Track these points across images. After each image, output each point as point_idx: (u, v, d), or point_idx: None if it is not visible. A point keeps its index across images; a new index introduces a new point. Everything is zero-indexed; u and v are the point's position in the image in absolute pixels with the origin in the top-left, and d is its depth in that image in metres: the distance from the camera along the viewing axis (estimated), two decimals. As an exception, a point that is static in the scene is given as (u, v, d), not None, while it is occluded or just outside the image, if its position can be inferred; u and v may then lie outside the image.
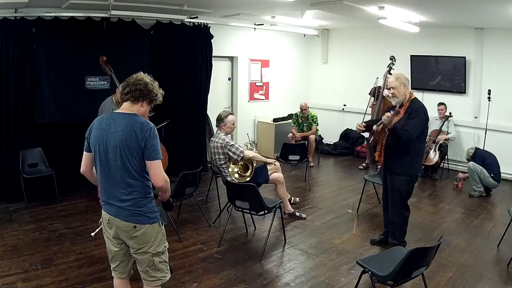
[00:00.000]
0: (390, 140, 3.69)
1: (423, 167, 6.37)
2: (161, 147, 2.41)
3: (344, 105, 8.60)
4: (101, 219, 2.41)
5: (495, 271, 3.63)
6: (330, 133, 8.79)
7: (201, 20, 6.41)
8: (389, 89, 3.70)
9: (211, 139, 4.51)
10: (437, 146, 6.53)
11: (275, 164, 4.84)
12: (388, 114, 3.51)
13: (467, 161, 6.00)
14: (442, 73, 7.13)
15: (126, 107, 2.29)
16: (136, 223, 2.25)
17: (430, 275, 3.38)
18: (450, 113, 6.65)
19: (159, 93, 2.37)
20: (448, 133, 6.64)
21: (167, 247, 2.44)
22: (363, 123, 3.86)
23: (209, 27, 6.67)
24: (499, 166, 5.74)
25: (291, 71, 8.77)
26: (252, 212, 4.00)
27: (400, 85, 3.64)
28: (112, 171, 2.23)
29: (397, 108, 3.71)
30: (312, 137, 7.14)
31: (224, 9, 6.01)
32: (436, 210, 5.23)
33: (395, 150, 3.69)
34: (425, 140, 3.87)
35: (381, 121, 3.61)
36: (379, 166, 5.59)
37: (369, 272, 2.64)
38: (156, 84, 2.37)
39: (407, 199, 3.83)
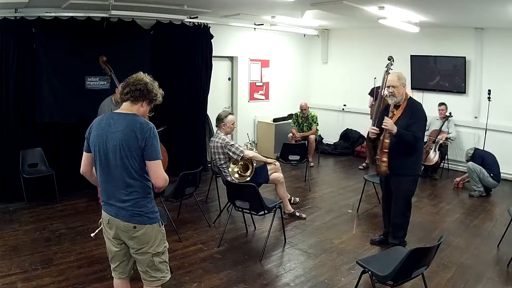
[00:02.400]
0: (394, 143, 3.63)
1: (423, 167, 6.45)
2: (161, 147, 2.41)
3: (344, 105, 8.60)
4: (101, 219, 2.41)
5: (495, 271, 3.63)
6: (330, 133, 8.80)
7: (201, 20, 6.41)
8: (388, 87, 3.67)
9: (211, 139, 4.51)
10: (437, 146, 6.53)
11: (275, 164, 4.84)
12: (387, 120, 3.56)
13: (466, 162, 6.01)
14: (442, 73, 7.13)
15: (126, 107, 2.29)
16: (136, 223, 2.25)
17: (430, 275, 3.38)
18: (450, 113, 6.66)
19: (159, 93, 2.37)
20: (448, 133, 6.64)
21: (167, 247, 2.44)
22: (375, 128, 3.76)
23: (209, 27, 6.67)
24: (499, 166, 5.74)
25: (291, 71, 8.77)
26: (252, 212, 4.00)
27: (400, 85, 3.63)
28: (112, 171, 2.23)
29: (391, 108, 3.72)
30: (312, 137, 7.14)
31: (224, 9, 6.00)
32: (436, 210, 5.23)
33: (401, 152, 3.64)
34: (424, 139, 3.91)
35: (384, 130, 3.62)
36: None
37: (369, 272, 2.64)
38: (156, 84, 2.37)
39: (411, 199, 3.84)
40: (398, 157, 3.67)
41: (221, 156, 4.41)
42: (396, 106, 3.71)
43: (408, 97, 3.70)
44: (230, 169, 4.44)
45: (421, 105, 3.73)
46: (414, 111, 3.62)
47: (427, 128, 6.78)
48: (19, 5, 4.82)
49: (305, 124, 7.27)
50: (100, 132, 2.25)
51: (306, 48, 8.96)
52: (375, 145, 3.93)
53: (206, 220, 4.67)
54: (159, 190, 2.45)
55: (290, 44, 8.61)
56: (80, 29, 5.37)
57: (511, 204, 4.88)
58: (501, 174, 5.83)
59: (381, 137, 3.68)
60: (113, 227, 2.30)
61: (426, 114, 3.74)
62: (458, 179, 6.18)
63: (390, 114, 3.71)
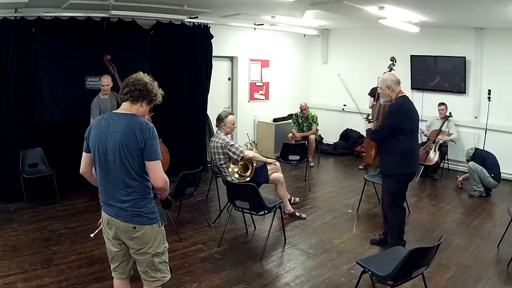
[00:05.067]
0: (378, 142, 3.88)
1: (422, 167, 6.44)
2: (163, 148, 2.40)
3: (344, 105, 8.59)
4: (100, 220, 2.41)
5: (495, 271, 3.63)
6: (330, 133, 8.79)
7: (201, 20, 6.41)
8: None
9: (211, 139, 4.51)
10: (437, 146, 6.53)
11: (275, 164, 4.83)
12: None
13: (466, 162, 6.00)
14: (442, 73, 7.13)
15: (125, 107, 2.29)
16: (135, 224, 2.25)
17: (430, 275, 3.39)
18: (450, 113, 6.65)
19: (159, 93, 2.37)
20: (449, 134, 6.63)
21: (167, 247, 2.44)
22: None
23: (209, 27, 6.67)
24: (499, 166, 5.73)
25: (291, 71, 8.77)
26: (252, 212, 4.00)
27: (385, 88, 3.73)
28: (112, 172, 2.22)
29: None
30: (312, 137, 7.14)
31: (224, 9, 6.00)
32: (436, 210, 5.23)
33: (383, 150, 3.82)
34: (414, 138, 3.79)
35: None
36: (379, 166, 5.60)
37: (369, 272, 2.64)
38: (155, 83, 2.37)
39: (398, 199, 3.84)
40: (381, 155, 3.87)
41: (221, 156, 4.41)
42: None
43: (399, 96, 3.70)
44: (230, 169, 4.43)
45: (401, 103, 3.66)
46: (389, 109, 3.73)
47: (427, 128, 6.82)
48: (19, 5, 4.82)
49: (305, 124, 7.27)
50: (99, 132, 2.24)
51: (306, 48, 8.95)
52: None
53: (206, 220, 4.67)
54: (162, 196, 2.43)
55: (290, 44, 8.60)
56: (80, 29, 5.37)
57: (511, 204, 4.87)
58: (501, 174, 5.83)
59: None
60: (112, 227, 2.30)
61: (409, 113, 3.72)
62: (460, 178, 6.16)
63: None
